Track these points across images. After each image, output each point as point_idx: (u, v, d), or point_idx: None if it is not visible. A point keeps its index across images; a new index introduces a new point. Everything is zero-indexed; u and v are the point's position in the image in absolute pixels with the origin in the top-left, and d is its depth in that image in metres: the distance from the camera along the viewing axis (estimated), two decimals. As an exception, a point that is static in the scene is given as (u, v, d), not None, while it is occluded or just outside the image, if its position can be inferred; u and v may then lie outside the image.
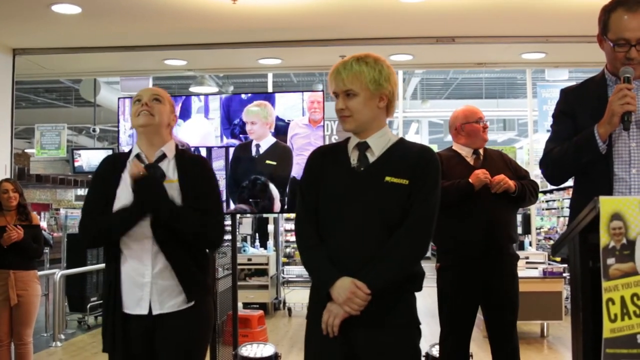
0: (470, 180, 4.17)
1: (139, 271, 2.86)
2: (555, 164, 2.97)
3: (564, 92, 3.09)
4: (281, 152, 4.87)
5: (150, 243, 2.87)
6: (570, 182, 3.13)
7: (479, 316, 4.39)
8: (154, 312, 2.86)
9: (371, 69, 2.58)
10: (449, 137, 17.18)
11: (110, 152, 9.93)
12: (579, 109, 2.92)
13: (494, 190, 4.16)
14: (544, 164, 3.04)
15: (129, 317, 2.87)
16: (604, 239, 2.12)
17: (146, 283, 2.85)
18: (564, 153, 2.89)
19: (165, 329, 2.87)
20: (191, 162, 3.09)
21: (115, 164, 3.03)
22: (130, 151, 3.08)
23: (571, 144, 2.87)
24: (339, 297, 2.48)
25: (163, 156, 3.01)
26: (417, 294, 2.66)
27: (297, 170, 4.78)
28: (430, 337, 5.35)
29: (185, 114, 5.02)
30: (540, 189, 4.53)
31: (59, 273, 8.41)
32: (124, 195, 2.90)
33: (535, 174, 4.39)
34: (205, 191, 3.01)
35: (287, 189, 4.82)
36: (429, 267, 4.10)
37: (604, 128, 2.73)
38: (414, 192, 2.54)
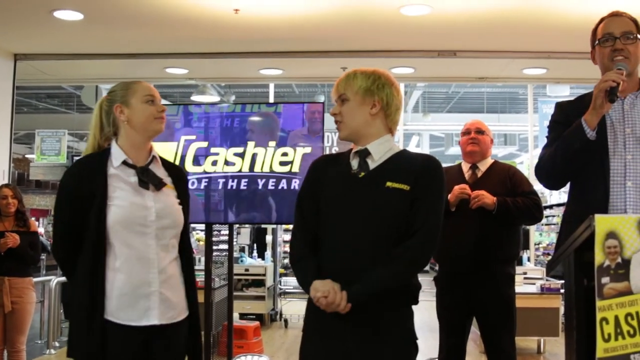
0: (449, 196, 4.14)
1: (144, 279, 2.74)
2: (548, 160, 2.97)
3: (559, 105, 3.13)
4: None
5: (154, 246, 2.76)
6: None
7: (476, 331, 4.38)
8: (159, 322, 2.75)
9: (365, 77, 2.63)
10: (450, 151, 17.07)
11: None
12: (573, 118, 2.92)
13: (471, 205, 4.11)
14: (538, 166, 3.05)
15: (122, 328, 2.72)
16: (599, 257, 2.10)
17: (153, 292, 2.74)
18: (556, 150, 2.91)
19: (166, 338, 2.78)
20: (177, 170, 3.05)
21: (90, 172, 2.80)
22: (105, 151, 2.86)
23: (561, 139, 2.89)
24: (315, 293, 2.46)
25: (152, 160, 2.89)
26: (417, 307, 2.65)
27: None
28: (426, 350, 5.31)
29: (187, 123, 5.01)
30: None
31: (54, 280, 8.38)
32: (125, 203, 2.74)
33: (537, 188, 4.35)
34: (187, 204, 2.99)
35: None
36: (427, 281, 4.09)
37: (589, 114, 2.77)
38: (417, 201, 2.52)
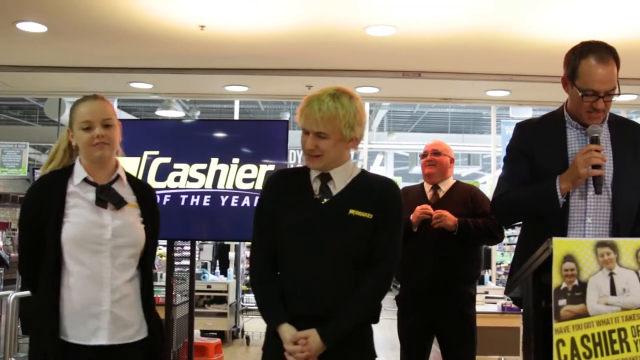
0: (410, 217, 4.17)
1: (95, 297, 2.70)
2: (509, 209, 2.94)
3: (521, 128, 3.05)
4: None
5: (109, 265, 2.72)
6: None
7: (438, 349, 4.40)
8: (112, 342, 2.70)
9: (346, 112, 2.50)
10: (414, 170, 17.02)
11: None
12: (537, 149, 2.90)
13: (432, 225, 4.14)
14: (496, 205, 3.00)
15: (74, 347, 2.69)
16: (556, 280, 2.13)
17: (104, 311, 2.69)
18: (520, 202, 2.88)
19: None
20: (144, 188, 2.99)
21: (50, 189, 2.78)
22: (68, 170, 2.84)
23: (529, 193, 2.85)
24: (288, 346, 2.49)
25: (116, 179, 2.84)
26: (378, 325, 2.66)
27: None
28: (387, 370, 5.28)
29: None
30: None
31: (12, 295, 8.19)
32: (81, 220, 2.72)
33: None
34: (157, 225, 2.96)
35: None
36: (389, 299, 4.09)
37: (566, 185, 2.73)
38: (379, 228, 2.53)
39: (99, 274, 2.71)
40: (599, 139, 2.75)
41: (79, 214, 2.74)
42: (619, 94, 2.76)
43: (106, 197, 2.77)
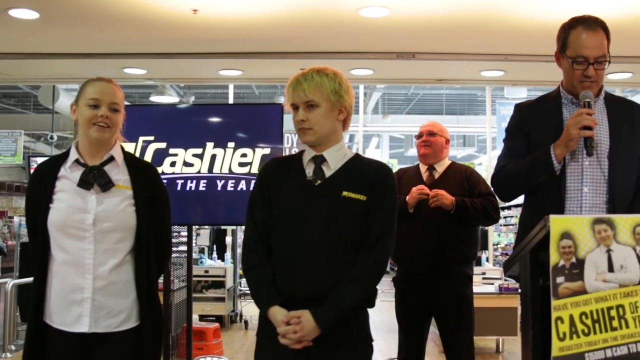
0: (407, 197, 4.17)
1: (77, 284, 2.67)
2: (508, 180, 2.99)
3: (519, 108, 3.11)
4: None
5: (92, 251, 2.68)
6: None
7: (436, 331, 4.42)
8: (94, 330, 2.69)
9: (331, 80, 2.55)
10: (410, 152, 17.05)
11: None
12: (533, 126, 2.96)
13: (430, 204, 4.13)
14: (496, 180, 3.05)
15: (60, 333, 2.69)
16: (554, 257, 2.13)
17: (86, 298, 2.67)
18: (518, 171, 2.92)
19: (106, 347, 2.70)
20: (143, 168, 2.92)
21: (45, 174, 2.79)
22: (66, 154, 2.83)
23: (526, 162, 2.89)
24: (280, 327, 2.46)
25: (110, 159, 2.79)
26: (377, 308, 2.67)
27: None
28: (386, 351, 5.30)
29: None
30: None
31: (10, 282, 8.22)
32: (63, 205, 2.70)
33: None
34: (161, 203, 2.91)
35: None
36: (386, 281, 4.11)
37: (560, 150, 2.78)
38: (372, 209, 2.52)
39: (81, 260, 2.67)
40: (591, 104, 2.81)
41: (62, 198, 2.71)
42: (609, 62, 2.83)
43: (92, 179, 2.72)
